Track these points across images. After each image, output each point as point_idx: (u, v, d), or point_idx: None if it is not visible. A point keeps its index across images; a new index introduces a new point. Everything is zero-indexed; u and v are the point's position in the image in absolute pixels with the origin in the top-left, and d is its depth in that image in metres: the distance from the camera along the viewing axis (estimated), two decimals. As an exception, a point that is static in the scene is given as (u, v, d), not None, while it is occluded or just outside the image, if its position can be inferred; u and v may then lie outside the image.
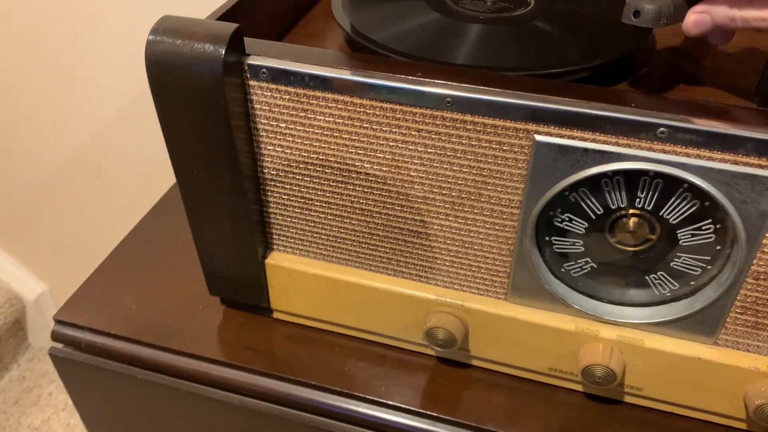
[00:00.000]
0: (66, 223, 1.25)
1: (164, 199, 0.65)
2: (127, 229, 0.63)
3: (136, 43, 0.93)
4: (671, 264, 0.40)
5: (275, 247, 0.48)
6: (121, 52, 0.96)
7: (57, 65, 1.01)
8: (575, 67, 0.43)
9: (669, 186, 0.37)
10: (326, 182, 0.43)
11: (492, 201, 0.40)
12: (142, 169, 1.09)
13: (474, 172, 0.39)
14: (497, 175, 0.39)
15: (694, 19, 0.41)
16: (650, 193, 0.37)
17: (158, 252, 0.59)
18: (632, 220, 0.39)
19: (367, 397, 0.46)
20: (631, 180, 0.37)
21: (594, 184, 0.38)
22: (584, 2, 0.52)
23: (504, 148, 0.38)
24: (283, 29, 0.54)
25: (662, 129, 0.35)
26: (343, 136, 0.40)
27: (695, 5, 0.41)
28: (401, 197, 0.42)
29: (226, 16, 0.44)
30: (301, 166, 0.43)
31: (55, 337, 0.53)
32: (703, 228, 0.38)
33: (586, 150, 0.36)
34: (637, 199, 0.38)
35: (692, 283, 0.40)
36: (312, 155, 0.42)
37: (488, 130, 0.37)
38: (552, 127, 0.36)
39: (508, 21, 0.49)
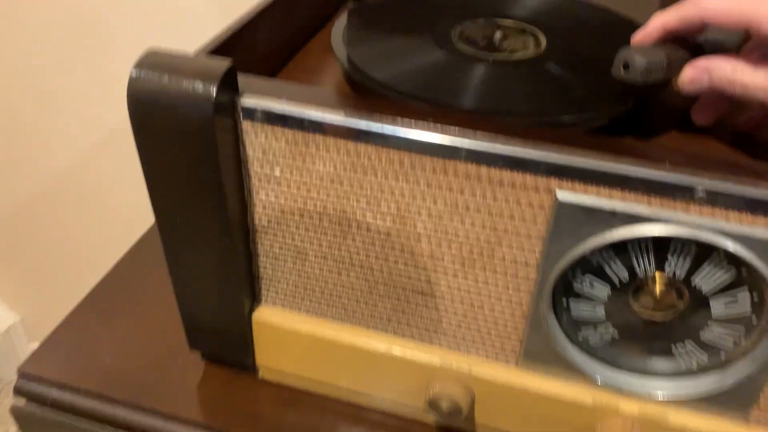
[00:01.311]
0: (41, 252, 1.20)
1: (145, 238, 0.61)
2: (106, 259, 0.59)
3: (120, 71, 0.90)
4: (700, 334, 0.36)
5: (264, 300, 0.44)
6: (105, 79, 0.92)
7: (38, 89, 0.97)
8: (591, 114, 0.40)
9: (703, 251, 0.33)
10: (323, 233, 0.39)
11: (506, 261, 0.36)
12: (123, 199, 1.05)
13: (488, 228, 0.35)
14: (513, 233, 0.35)
15: (691, 75, 0.38)
16: (682, 259, 0.34)
17: (136, 297, 0.54)
18: (659, 285, 0.35)
19: (361, 469, 0.42)
20: (661, 243, 0.34)
21: (620, 245, 0.34)
22: (600, 43, 0.49)
23: (522, 204, 0.34)
24: (279, 63, 0.50)
25: (701, 191, 0.31)
26: (344, 184, 0.37)
27: (695, 59, 0.39)
28: (406, 252, 0.38)
29: (219, 49, 0.40)
30: (296, 214, 0.39)
31: (19, 391, 0.48)
32: (738, 298, 0.34)
33: (614, 211, 0.33)
34: (667, 265, 0.34)
35: (723, 355, 0.37)
36: (309, 203, 0.38)
37: (505, 184, 0.34)
38: (576, 183, 0.33)
39: (519, 63, 0.46)
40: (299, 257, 0.41)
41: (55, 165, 1.06)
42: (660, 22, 0.39)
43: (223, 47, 0.41)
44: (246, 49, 0.45)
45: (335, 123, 0.35)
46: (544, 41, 0.48)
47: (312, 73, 0.49)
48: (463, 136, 0.33)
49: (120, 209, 1.07)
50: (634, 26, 0.52)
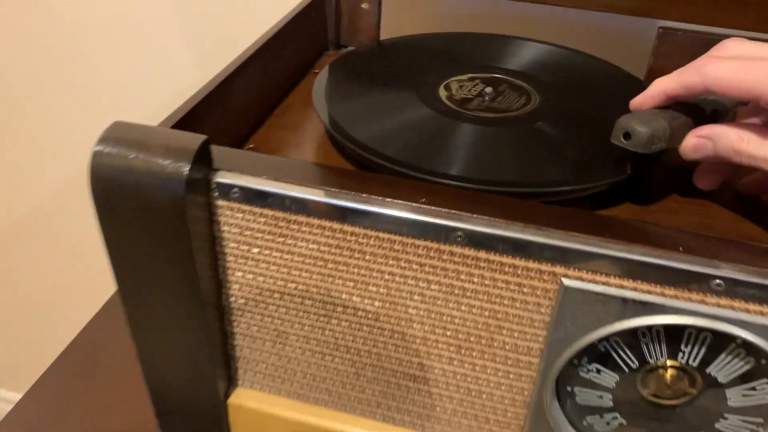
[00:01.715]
0: (7, 297, 1.15)
1: (115, 298, 0.57)
2: (76, 307, 0.55)
3: (91, 113, 0.86)
4: (715, 425, 0.34)
5: (241, 382, 0.40)
6: (77, 119, 0.88)
7: (6, 127, 0.93)
8: (588, 185, 0.38)
9: (719, 341, 0.31)
10: (306, 315, 0.36)
11: (507, 347, 0.33)
12: (95, 243, 1.00)
13: (486, 314, 0.33)
14: (515, 320, 0.32)
15: (695, 144, 0.36)
16: (697, 348, 0.31)
17: (106, 364, 0.51)
18: (670, 373, 0.33)
19: None
20: (675, 332, 0.31)
21: (630, 333, 0.32)
22: (597, 98, 0.47)
23: (525, 290, 0.31)
24: (258, 118, 0.47)
25: (718, 281, 0.29)
26: (329, 265, 0.34)
27: (698, 128, 0.37)
28: (396, 336, 0.35)
29: (191, 115, 0.37)
30: (275, 295, 0.36)
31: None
32: (757, 388, 0.32)
33: (624, 300, 0.30)
34: (680, 354, 0.32)
35: (740, 446, 0.34)
36: (289, 283, 0.35)
37: (506, 269, 0.31)
38: (584, 271, 0.30)
39: (511, 122, 0.43)
40: (279, 339, 0.37)
41: (26, 205, 1.01)
42: (661, 88, 0.37)
43: (195, 113, 0.38)
44: (222, 109, 0.42)
45: (319, 202, 0.32)
46: (537, 98, 0.46)
47: (293, 130, 0.46)
48: (459, 219, 0.31)
49: (94, 256, 1.02)
50: (631, 79, 0.51)
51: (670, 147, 0.37)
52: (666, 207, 0.40)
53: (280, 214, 0.32)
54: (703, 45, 0.51)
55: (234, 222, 0.33)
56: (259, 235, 0.33)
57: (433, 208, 0.31)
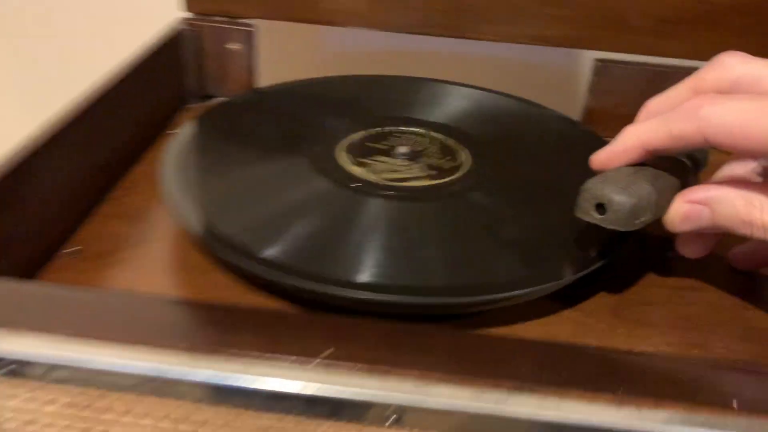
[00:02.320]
0: None
1: None
2: None
3: None
4: None
5: None
6: None
7: None
8: (546, 285, 0.27)
9: None
10: None
11: None
12: None
13: None
14: None
15: (687, 212, 0.27)
16: None
17: None
18: None
19: None
20: None
21: None
22: (541, 155, 0.37)
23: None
24: (85, 206, 0.34)
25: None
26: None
27: (687, 190, 0.27)
28: None
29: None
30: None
31: None
32: None
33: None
34: None
35: None
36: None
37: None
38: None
39: (435, 193, 0.32)
40: None
41: None
42: (638, 139, 0.28)
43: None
44: (22, 201, 0.28)
45: (136, 372, 0.19)
46: (467, 158, 0.35)
47: (136, 220, 0.33)
48: (399, 393, 0.19)
49: None
50: (573, 125, 0.41)
51: (657, 217, 0.28)
52: (649, 294, 0.30)
53: (75, 391, 0.19)
54: (648, 79, 0.43)
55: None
56: (43, 419, 0.20)
57: (340, 368, 0.19)
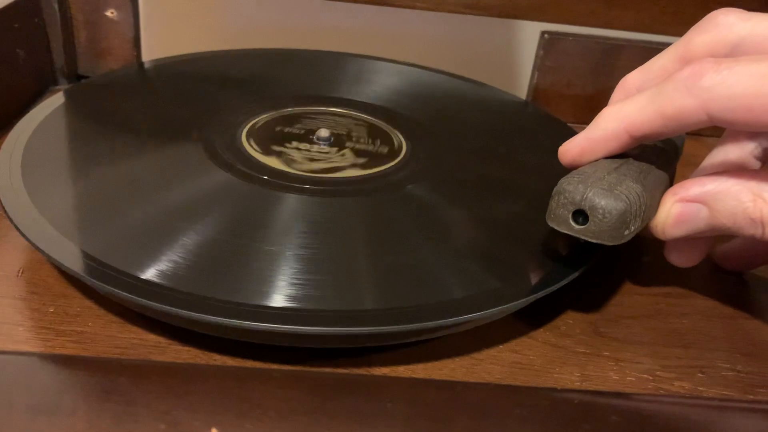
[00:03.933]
0: None
1: None
2: None
3: None
4: None
5: None
6: None
7: None
8: (501, 308, 0.21)
9: None
10: None
11: None
12: None
13: None
14: None
15: (680, 214, 0.21)
16: None
17: None
18: None
19: None
20: None
21: None
22: (493, 142, 0.31)
23: None
24: None
25: None
26: None
27: (678, 186, 0.22)
28: None
29: None
30: None
31: None
32: None
33: None
34: None
35: None
36: None
37: None
38: None
39: (370, 186, 0.25)
40: None
41: None
42: (620, 124, 0.22)
43: None
44: None
45: None
46: (403, 143, 0.29)
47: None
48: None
49: None
50: (528, 108, 0.36)
51: (647, 222, 0.22)
52: (631, 305, 0.25)
53: None
54: (602, 53, 0.38)
55: None
56: None
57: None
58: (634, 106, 0.21)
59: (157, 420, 0.12)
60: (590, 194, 0.20)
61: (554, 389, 0.19)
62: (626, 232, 0.20)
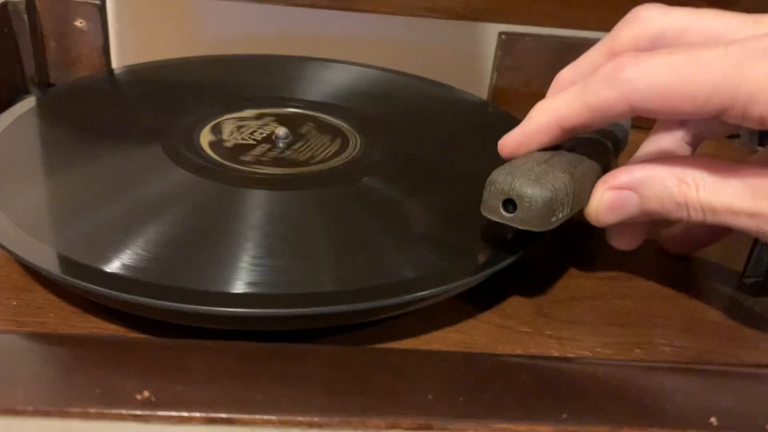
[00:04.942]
0: None
1: None
2: None
3: None
4: None
5: None
6: None
7: None
8: (460, 281, 0.22)
9: None
10: None
11: None
12: None
13: None
14: None
15: (612, 201, 0.23)
16: None
17: None
18: None
19: None
20: None
21: None
22: (443, 137, 0.32)
23: None
24: None
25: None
26: None
27: (609, 174, 0.23)
28: None
29: None
30: None
31: None
32: None
33: None
34: None
35: None
36: None
37: None
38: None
39: (326, 178, 0.27)
40: None
41: None
42: (552, 115, 0.23)
43: None
44: None
45: None
46: (356, 140, 0.30)
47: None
48: None
49: None
50: (486, 107, 0.37)
51: (576, 211, 0.23)
52: (575, 287, 0.26)
53: None
54: (558, 52, 0.39)
55: None
56: None
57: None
58: (563, 100, 0.23)
59: (92, 385, 0.13)
60: (517, 184, 0.21)
61: (470, 353, 0.20)
62: (553, 219, 0.21)
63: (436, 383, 0.13)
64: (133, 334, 0.21)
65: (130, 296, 0.19)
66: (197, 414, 0.12)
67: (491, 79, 0.40)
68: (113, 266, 0.20)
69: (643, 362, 0.20)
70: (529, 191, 0.21)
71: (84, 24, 0.37)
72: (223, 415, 0.12)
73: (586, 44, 0.38)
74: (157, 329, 0.21)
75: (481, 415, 0.13)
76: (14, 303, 0.22)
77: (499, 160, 0.23)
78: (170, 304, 0.19)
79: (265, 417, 0.12)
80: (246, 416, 0.12)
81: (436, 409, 0.13)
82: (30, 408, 0.12)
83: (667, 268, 0.28)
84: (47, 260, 0.21)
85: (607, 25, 0.39)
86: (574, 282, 0.26)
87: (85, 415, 0.12)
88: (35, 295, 0.23)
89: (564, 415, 0.13)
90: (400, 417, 0.13)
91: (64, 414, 0.12)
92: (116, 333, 0.21)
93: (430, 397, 0.13)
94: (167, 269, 0.21)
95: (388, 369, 0.14)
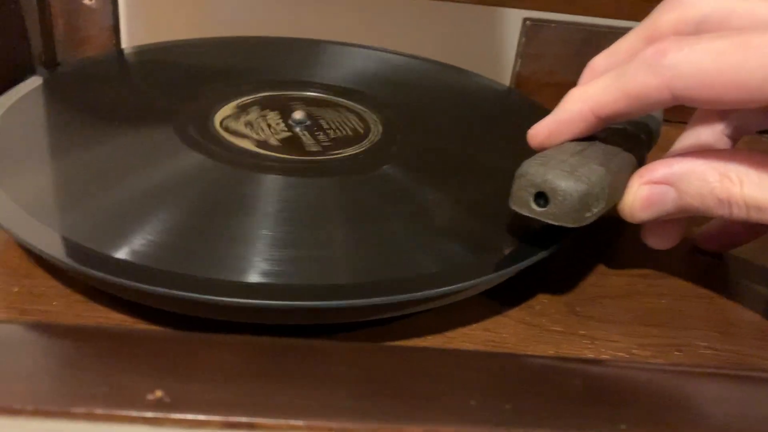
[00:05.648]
0: None
1: None
2: None
3: None
4: None
5: None
6: None
7: None
8: (490, 276, 0.21)
9: None
10: None
11: None
12: None
13: None
14: None
15: (647, 197, 0.21)
16: None
17: None
18: None
19: None
20: None
21: None
22: (467, 125, 0.31)
23: None
24: None
25: None
26: None
27: (645, 168, 0.22)
28: None
29: None
30: None
31: None
32: None
33: None
34: None
35: None
36: None
37: None
38: None
39: (346, 166, 0.25)
40: None
41: None
42: (586, 104, 0.21)
43: None
44: None
45: None
46: (379, 127, 0.28)
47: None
48: None
49: None
50: (509, 94, 0.35)
51: (612, 205, 0.22)
52: (607, 285, 0.24)
53: None
54: (583, 40, 0.38)
55: None
56: None
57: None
58: (599, 87, 0.21)
59: (99, 383, 0.11)
60: (550, 176, 0.20)
61: (514, 354, 0.18)
62: (588, 215, 0.20)
63: (479, 387, 0.12)
64: (141, 325, 0.20)
65: (140, 284, 0.18)
66: (216, 418, 0.11)
67: (514, 66, 0.38)
68: (121, 252, 0.19)
69: (699, 368, 0.19)
70: (563, 184, 0.20)
71: (93, 2, 0.36)
72: (244, 419, 0.11)
73: (613, 33, 0.38)
74: (165, 320, 0.20)
75: (531, 423, 0.11)
76: (15, 289, 0.21)
77: (525, 150, 0.22)
78: (184, 293, 0.17)
79: (291, 422, 0.11)
80: (270, 420, 0.11)
81: (480, 417, 0.11)
82: (29, 407, 0.11)
83: (701, 266, 0.26)
84: (51, 244, 0.19)
85: (636, 14, 0.38)
86: (606, 279, 0.25)
87: (91, 417, 0.10)
88: (37, 281, 0.21)
89: (623, 426, 0.11)
90: (440, 425, 0.11)
91: (67, 415, 0.10)
92: (123, 323, 0.20)
93: (473, 403, 0.12)
94: (178, 256, 0.19)
95: (422, 370, 0.13)
